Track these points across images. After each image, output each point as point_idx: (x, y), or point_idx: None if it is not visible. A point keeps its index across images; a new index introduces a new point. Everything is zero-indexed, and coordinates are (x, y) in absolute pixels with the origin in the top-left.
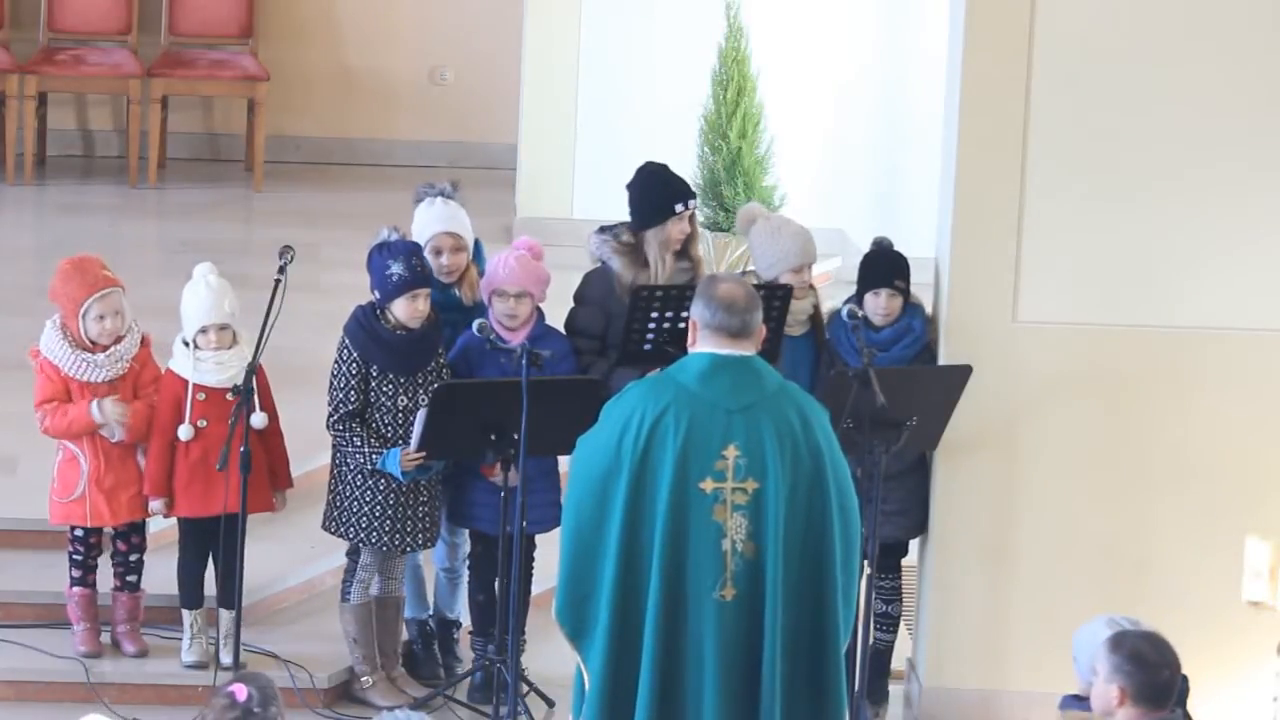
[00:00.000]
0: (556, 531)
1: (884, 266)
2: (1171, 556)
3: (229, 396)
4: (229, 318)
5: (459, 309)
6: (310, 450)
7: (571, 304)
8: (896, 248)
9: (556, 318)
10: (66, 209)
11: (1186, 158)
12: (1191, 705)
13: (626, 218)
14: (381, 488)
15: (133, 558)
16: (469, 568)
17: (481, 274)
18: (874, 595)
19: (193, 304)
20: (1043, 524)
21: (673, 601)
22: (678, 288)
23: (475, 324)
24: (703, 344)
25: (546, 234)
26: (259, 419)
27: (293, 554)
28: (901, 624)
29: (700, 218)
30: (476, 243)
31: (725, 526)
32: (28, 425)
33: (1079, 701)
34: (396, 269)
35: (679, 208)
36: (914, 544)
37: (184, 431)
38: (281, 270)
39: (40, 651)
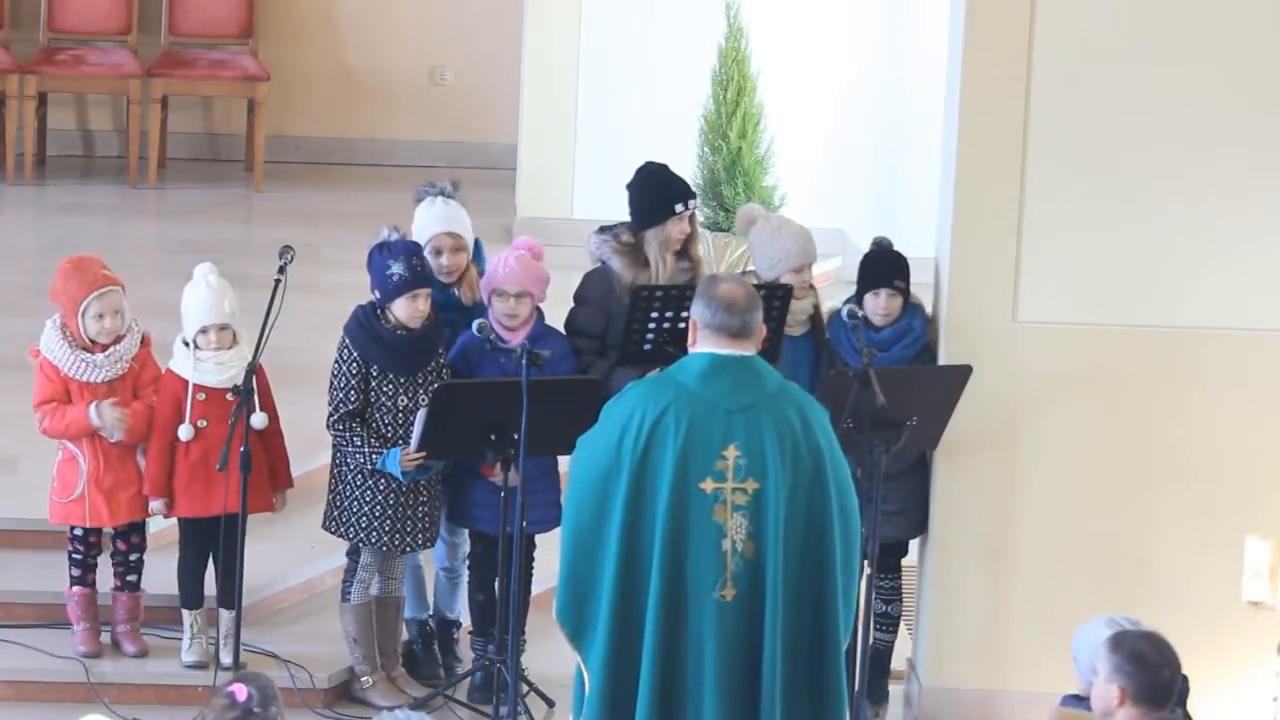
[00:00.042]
0: (556, 531)
1: (884, 266)
2: (1171, 556)
3: (229, 396)
4: (229, 318)
5: (459, 309)
6: (310, 450)
7: (571, 304)
8: (896, 248)
9: (556, 318)
10: (66, 209)
11: (1186, 158)
12: (1191, 705)
13: (626, 218)
14: (381, 488)
15: (132, 557)
16: (469, 568)
17: (481, 274)
18: (874, 595)
19: (193, 304)
20: (1043, 524)
21: (673, 601)
22: (678, 288)
23: (475, 324)
24: (703, 344)
25: (546, 234)
26: (259, 419)
27: (293, 554)
28: (901, 624)
29: (700, 218)
30: (476, 243)
31: (725, 526)
32: (28, 425)
33: (1079, 701)
34: (397, 269)
35: (679, 208)
36: (914, 544)
37: (184, 431)
38: (281, 270)
39: (40, 651)
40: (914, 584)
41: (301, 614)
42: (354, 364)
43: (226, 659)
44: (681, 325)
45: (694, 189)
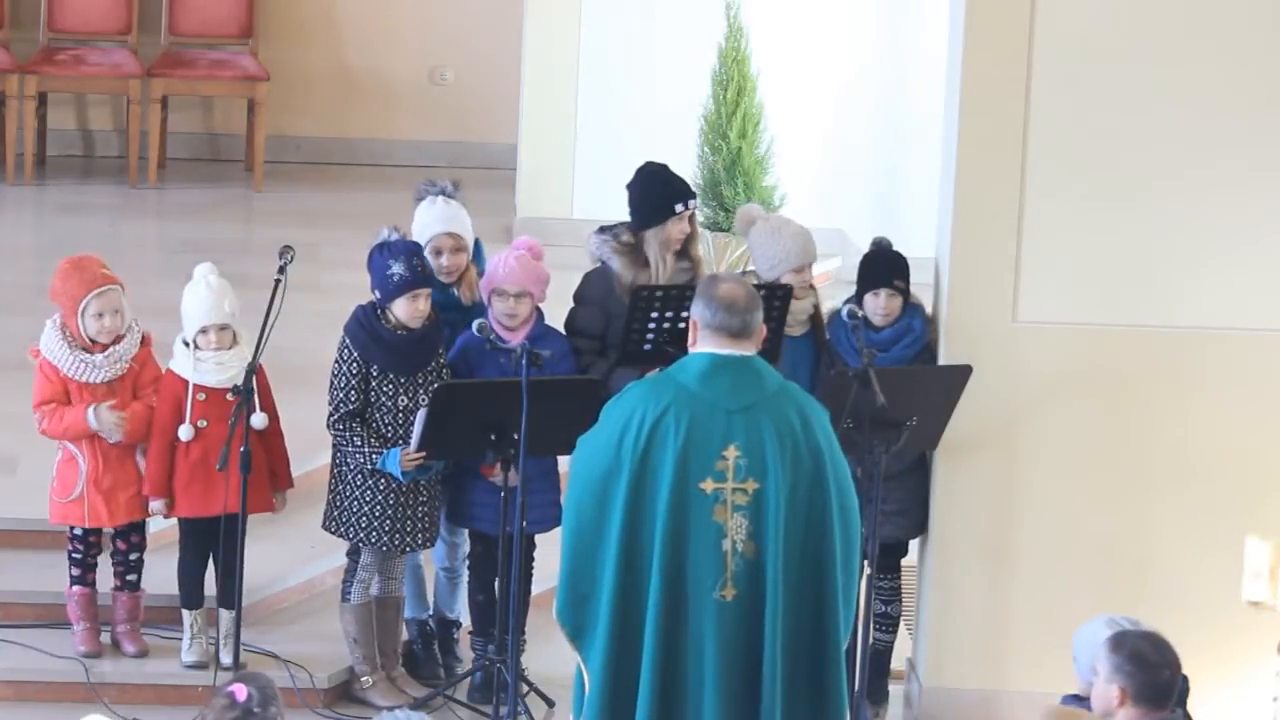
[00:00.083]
0: (556, 531)
1: (883, 267)
2: (1171, 556)
3: (229, 396)
4: (229, 318)
5: (458, 309)
6: (310, 450)
7: (571, 304)
8: (896, 248)
9: (556, 318)
10: (66, 209)
11: (1186, 158)
12: (1191, 705)
13: (626, 218)
14: (381, 488)
15: (132, 557)
16: (469, 568)
17: (481, 274)
18: (873, 596)
19: (193, 304)
20: (1043, 524)
21: (673, 601)
22: (678, 288)
23: (475, 324)
24: (703, 344)
25: (546, 234)
26: (259, 419)
27: (293, 554)
28: (901, 624)
29: (700, 218)
30: (476, 243)
31: (725, 527)
32: (28, 425)
33: (1079, 701)
34: (397, 269)
35: (679, 208)
36: (914, 544)
37: (184, 432)
38: (281, 270)
39: (40, 651)
40: (914, 584)
41: (301, 614)
42: (354, 364)
43: (226, 659)
44: (681, 325)
45: (694, 189)
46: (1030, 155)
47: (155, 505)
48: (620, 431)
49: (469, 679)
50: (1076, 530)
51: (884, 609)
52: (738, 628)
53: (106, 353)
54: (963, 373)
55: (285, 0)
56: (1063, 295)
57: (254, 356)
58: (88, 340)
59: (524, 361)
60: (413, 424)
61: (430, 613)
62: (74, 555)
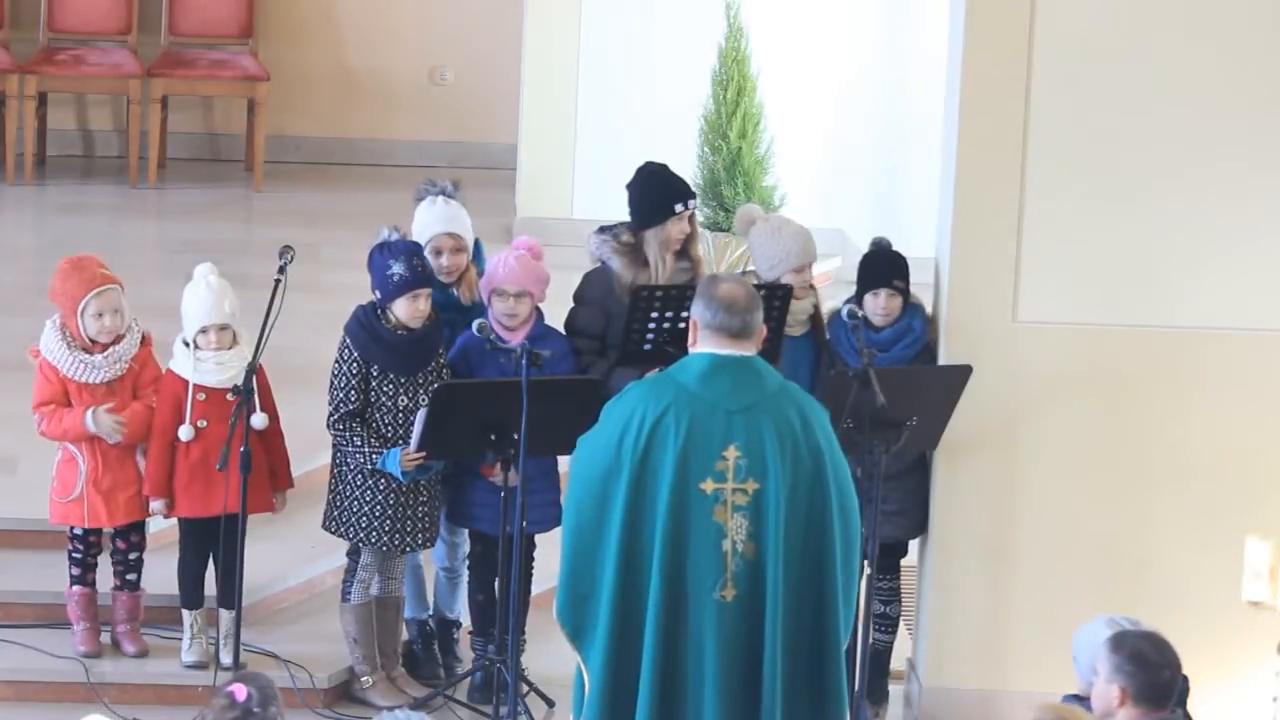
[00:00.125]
0: (556, 531)
1: (882, 267)
2: (1171, 556)
3: (229, 397)
4: (229, 318)
5: (458, 309)
6: (310, 450)
7: (571, 304)
8: (896, 248)
9: (556, 318)
10: (66, 209)
11: (1186, 158)
12: (1191, 705)
13: (626, 218)
14: (381, 488)
15: (132, 556)
16: (469, 568)
17: (481, 274)
18: (873, 596)
19: (193, 304)
20: (1043, 524)
21: (673, 602)
22: (678, 288)
23: (475, 324)
24: (703, 344)
25: (546, 234)
26: (259, 419)
27: (293, 554)
28: (901, 624)
29: (700, 218)
30: (476, 243)
31: (725, 527)
32: (28, 425)
33: (1079, 701)
34: (397, 269)
35: (679, 208)
36: (914, 544)
37: (184, 432)
38: (281, 270)
39: (40, 651)
40: (914, 584)
41: (301, 614)
42: (354, 364)
43: (226, 659)
44: (681, 325)
45: (694, 189)
46: (1030, 155)
47: (155, 505)
48: (620, 432)
49: (469, 679)
50: (1076, 530)
51: (883, 609)
52: (738, 628)
53: (106, 353)
54: (963, 373)
55: (285, 0)
56: (1063, 295)
57: (254, 356)
58: (87, 340)
59: (524, 361)
60: (413, 424)
61: (430, 613)
62: (74, 555)
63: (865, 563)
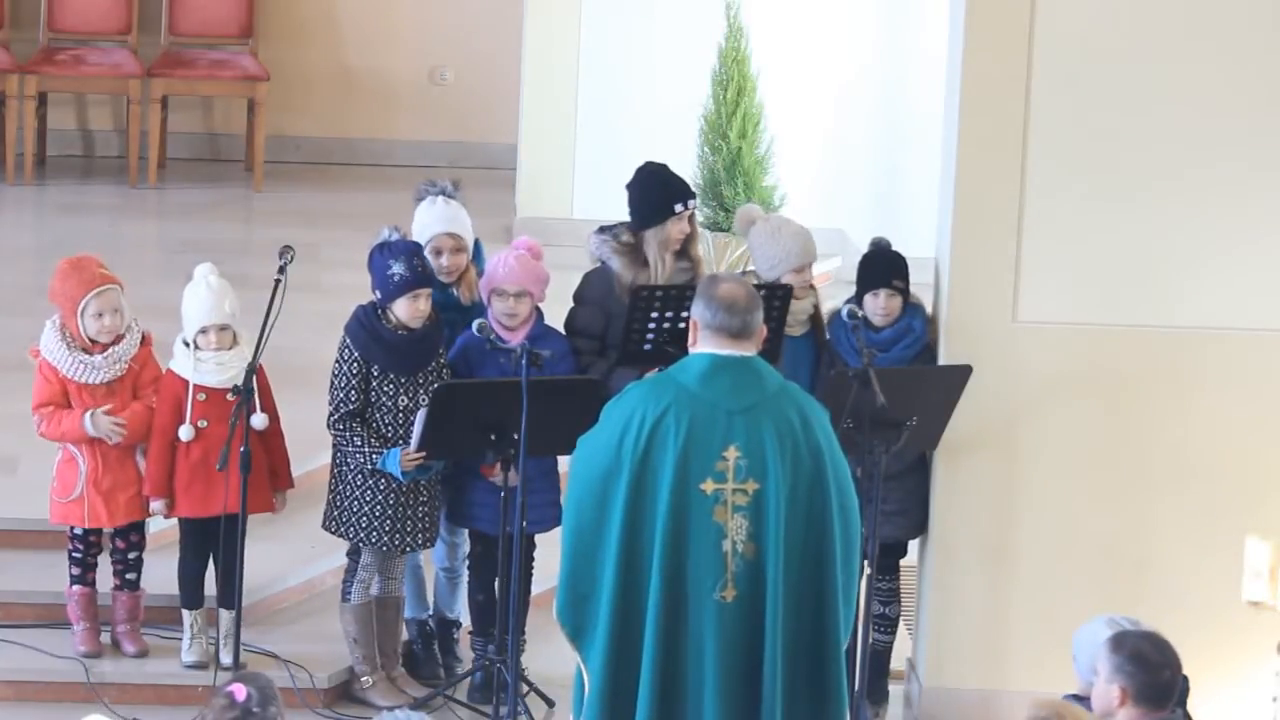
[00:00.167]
0: (556, 531)
1: (882, 267)
2: (1171, 556)
3: (229, 397)
4: (229, 318)
5: (457, 309)
6: (310, 450)
7: (571, 304)
8: (896, 248)
9: (556, 318)
10: (66, 209)
11: (1186, 158)
12: (1191, 705)
13: (626, 218)
14: (382, 488)
15: (131, 555)
16: (469, 568)
17: (481, 274)
18: (872, 597)
19: (193, 304)
20: (1043, 524)
21: (673, 602)
22: (678, 288)
23: (475, 324)
24: (703, 344)
25: (546, 234)
26: (259, 420)
27: (293, 554)
28: (901, 624)
29: (700, 218)
30: (476, 243)
31: (726, 527)
32: (28, 425)
33: (1079, 701)
34: (398, 269)
35: (678, 208)
36: (914, 544)
37: (184, 432)
38: (281, 270)
39: (40, 651)
40: (914, 584)
41: (301, 614)
42: (355, 364)
43: (226, 659)
44: (681, 325)
45: (694, 189)
46: (1030, 155)
47: (155, 505)
48: (620, 432)
49: (469, 679)
50: (1076, 530)
51: (883, 610)
52: (738, 628)
53: (106, 353)
54: (963, 373)
55: (285, 0)
56: (1063, 295)
57: (254, 356)
58: (87, 341)
59: (524, 361)
60: (413, 424)
61: (430, 613)
62: (74, 555)
63: (865, 563)
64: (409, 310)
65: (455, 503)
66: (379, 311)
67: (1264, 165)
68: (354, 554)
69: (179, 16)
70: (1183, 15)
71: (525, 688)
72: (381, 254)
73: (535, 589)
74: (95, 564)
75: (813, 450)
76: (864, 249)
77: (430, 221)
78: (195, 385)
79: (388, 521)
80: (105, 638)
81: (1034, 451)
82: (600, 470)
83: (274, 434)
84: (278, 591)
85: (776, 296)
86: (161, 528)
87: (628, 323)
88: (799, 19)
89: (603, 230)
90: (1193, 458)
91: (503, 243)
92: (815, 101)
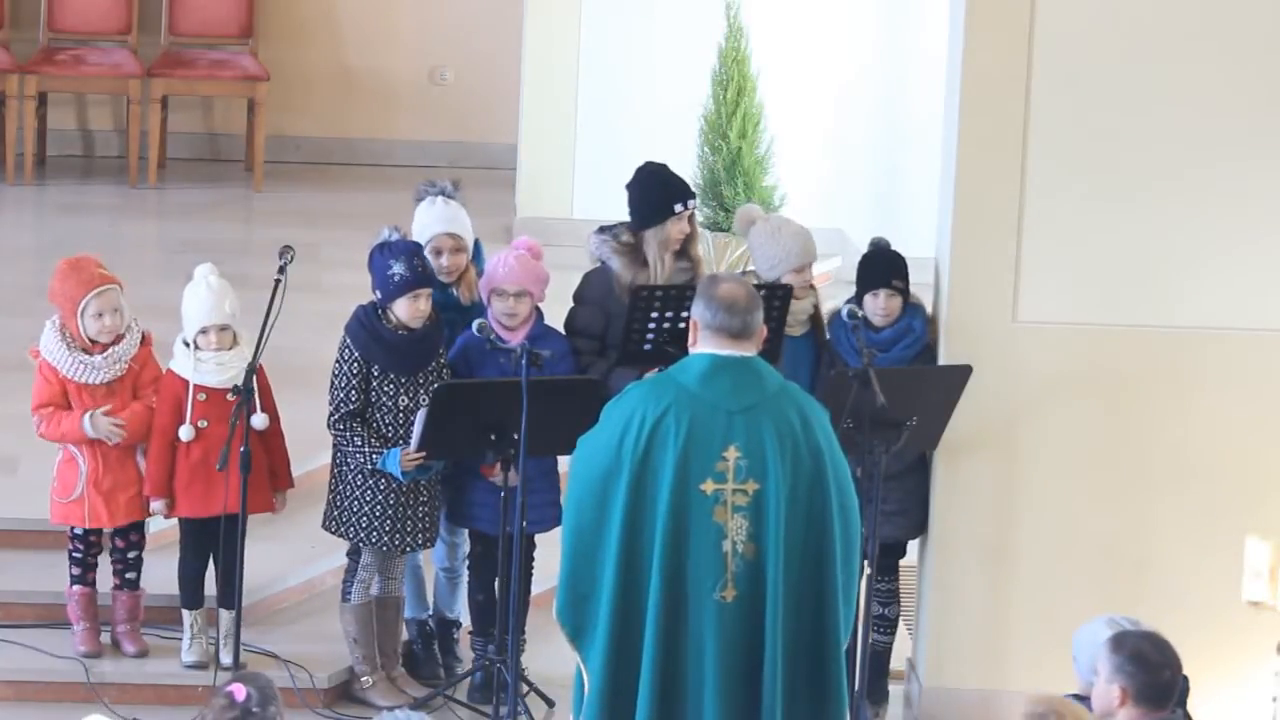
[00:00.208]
0: (556, 531)
1: (881, 267)
2: (1171, 556)
3: (229, 397)
4: (229, 318)
5: (457, 309)
6: (310, 450)
7: (571, 304)
8: (896, 248)
9: (556, 318)
10: (66, 209)
11: (1186, 158)
12: (1191, 705)
13: (626, 218)
14: (382, 488)
15: (131, 555)
16: (469, 568)
17: (481, 274)
18: (872, 598)
19: (193, 305)
20: (1043, 524)
21: (673, 602)
22: (678, 288)
23: (475, 324)
24: (703, 344)
25: (546, 234)
26: (260, 420)
27: (293, 554)
28: (901, 623)
29: (700, 218)
30: (476, 243)
31: (726, 528)
32: (28, 425)
33: (1080, 701)
34: (398, 269)
35: (678, 208)
36: (914, 544)
37: (185, 432)
38: (281, 270)
39: (40, 651)
40: (914, 584)
41: (301, 614)
42: (355, 364)
43: (226, 659)
44: (681, 325)
45: (694, 189)
46: (1030, 155)
47: (156, 505)
48: (620, 432)
49: (469, 679)
50: (1076, 530)
51: (882, 611)
52: (738, 628)
53: (106, 354)
54: (963, 373)
55: (285, 0)
56: (1063, 295)
57: (254, 357)
58: (88, 341)
59: (524, 361)
60: (413, 424)
61: (430, 613)
62: (74, 555)
63: (865, 563)
64: (409, 310)
65: (455, 503)
66: (379, 311)
67: (1264, 165)
68: (354, 554)
69: (179, 16)
70: (1183, 15)
71: (525, 688)
72: (382, 254)
73: (535, 589)
74: (95, 564)
75: (813, 450)
76: (864, 249)
77: (430, 221)
78: (195, 385)
79: (388, 521)
80: (105, 638)
81: (1034, 451)
82: (600, 470)
83: (274, 434)
84: (278, 591)
85: (776, 296)
86: (161, 528)
87: (628, 323)
88: (799, 19)
89: (603, 230)
90: (1193, 458)
91: (503, 243)
92: (815, 101)
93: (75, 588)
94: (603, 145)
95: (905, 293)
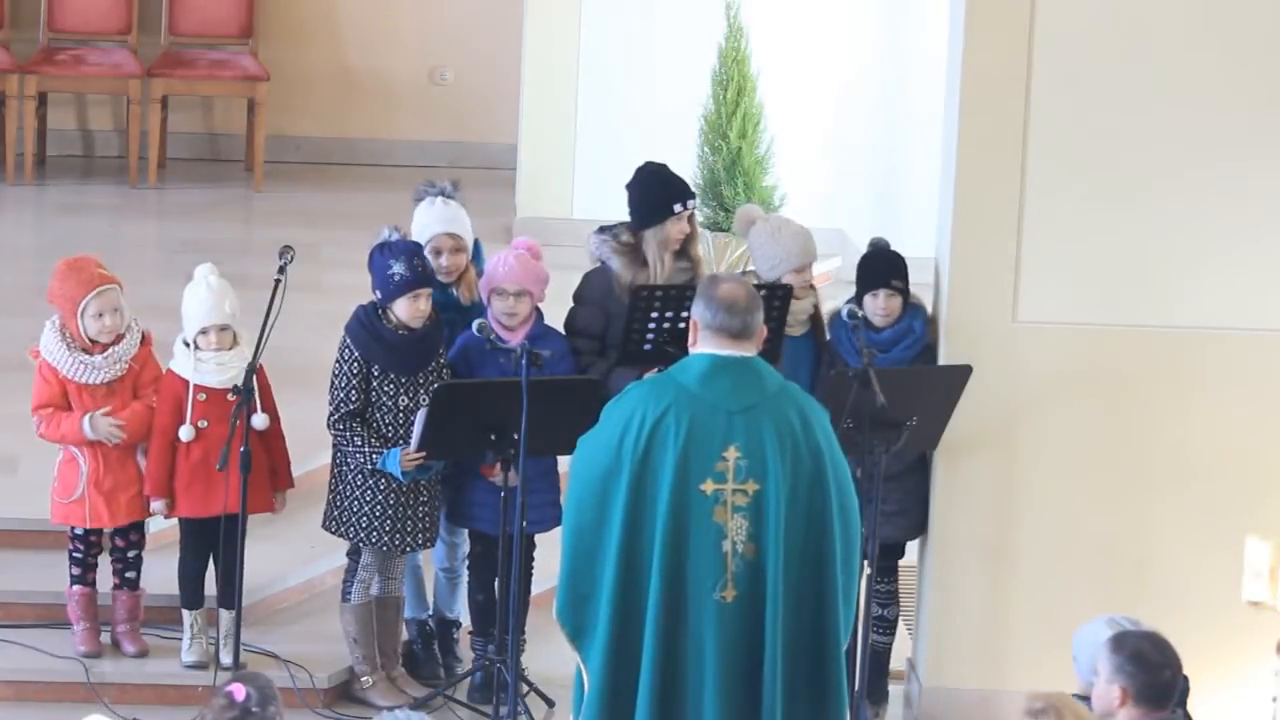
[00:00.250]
0: (556, 531)
1: (881, 267)
2: (1171, 556)
3: (230, 397)
4: (229, 318)
5: (457, 309)
6: (310, 450)
7: (571, 304)
8: (896, 248)
9: (556, 318)
10: (66, 209)
11: (1186, 158)
12: (1191, 705)
13: (626, 218)
14: (382, 488)
15: (131, 554)
16: (469, 568)
17: (480, 274)
18: (871, 599)
19: (193, 305)
20: (1043, 524)
21: (673, 602)
22: (678, 288)
23: (475, 324)
24: (703, 345)
25: (546, 234)
26: (260, 420)
27: (293, 554)
28: (901, 623)
29: (700, 218)
30: (475, 243)
31: (726, 528)
32: (28, 425)
33: (1080, 701)
34: (398, 269)
35: (678, 208)
36: (914, 544)
37: (185, 432)
38: (281, 270)
39: (40, 651)
40: (914, 584)
41: (301, 614)
42: (355, 364)
43: (226, 659)
44: (681, 325)
45: (694, 189)
46: (1030, 155)
47: (156, 505)
48: (621, 432)
49: (469, 679)
50: (1076, 530)
51: (881, 612)
52: (738, 629)
53: (106, 354)
54: (963, 373)
55: (285, 0)
56: (1063, 295)
57: (254, 357)
58: (88, 341)
59: (524, 361)
60: (413, 424)
61: (430, 613)
62: (74, 555)
63: (865, 563)
64: (409, 310)
65: (455, 503)
66: (379, 311)
67: (1264, 165)
68: (354, 554)
69: (179, 16)
70: (1183, 15)
71: (525, 688)
72: (382, 254)
73: (535, 589)
74: (95, 564)
75: (813, 450)
76: (864, 249)
77: (429, 222)
78: (195, 385)
79: (388, 521)
80: (105, 638)
81: (1034, 451)
82: (600, 470)
83: (274, 434)
84: (278, 591)
85: (776, 296)
86: (161, 527)
87: (628, 323)
88: (799, 19)
89: (602, 230)
90: (1193, 458)
91: (503, 243)
92: (815, 101)
93: (75, 588)
94: (603, 145)
95: (905, 293)
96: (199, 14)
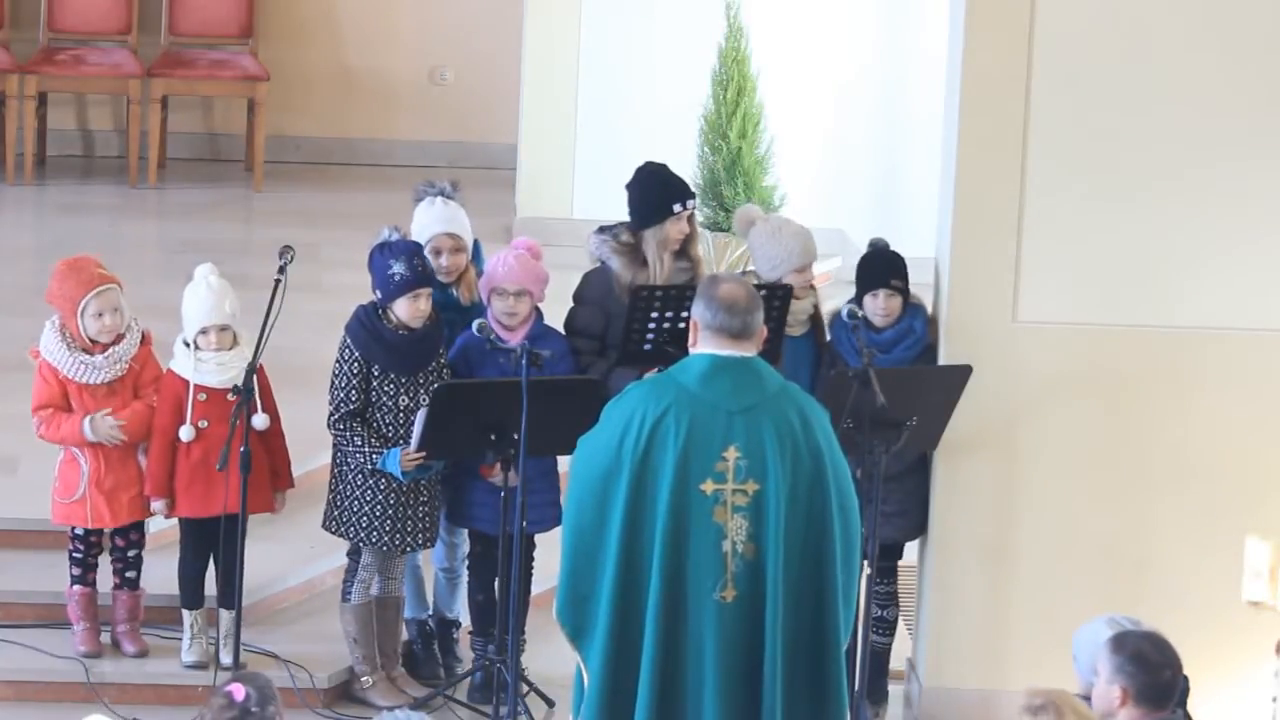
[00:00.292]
0: (556, 531)
1: (880, 267)
2: (1171, 556)
3: (230, 397)
4: (229, 319)
5: (457, 309)
6: (310, 450)
7: (571, 304)
8: (896, 248)
9: (556, 318)
10: (66, 209)
11: (1186, 158)
12: (1191, 705)
13: (626, 218)
14: (382, 488)
15: (131, 553)
16: (469, 568)
17: (480, 274)
18: (871, 600)
19: (193, 305)
20: (1043, 524)
21: (673, 602)
22: (678, 288)
23: (475, 324)
24: (704, 345)
25: (546, 234)
26: (261, 420)
27: (293, 554)
28: (901, 624)
29: (700, 218)
30: (475, 243)
31: (725, 528)
32: (28, 425)
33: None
34: (398, 269)
35: (677, 208)
36: (913, 545)
37: (185, 432)
38: (281, 270)
39: (40, 651)
40: (914, 584)
41: (301, 614)
42: (355, 363)
43: (226, 659)
44: (681, 325)
45: (694, 189)
46: (1030, 155)
47: (156, 505)
48: (621, 432)
49: (469, 679)
50: (1076, 530)
51: (880, 613)
52: (738, 629)
53: (106, 354)
54: (963, 373)
55: (285, 0)
56: (1063, 295)
57: (254, 357)
58: (88, 341)
59: (524, 361)
60: (413, 424)
61: (430, 613)
62: (74, 555)
63: (865, 562)
64: (409, 310)
65: (455, 503)
66: (379, 311)
67: (1264, 165)
68: (354, 554)
69: (179, 16)
70: (1183, 15)
71: (525, 688)
72: (382, 254)
73: (535, 589)
74: (96, 564)
75: (813, 451)
76: (864, 249)
77: (429, 222)
78: (196, 385)
79: (388, 521)
80: (105, 638)
81: (1034, 451)
82: (600, 470)
83: (274, 434)
84: (278, 591)
85: (776, 296)
86: (161, 527)
87: (628, 323)
88: (799, 19)
89: (602, 230)
90: (1193, 458)
91: (503, 243)
92: (815, 101)
93: (75, 588)
94: (603, 145)
95: (905, 293)
96: (199, 14)
